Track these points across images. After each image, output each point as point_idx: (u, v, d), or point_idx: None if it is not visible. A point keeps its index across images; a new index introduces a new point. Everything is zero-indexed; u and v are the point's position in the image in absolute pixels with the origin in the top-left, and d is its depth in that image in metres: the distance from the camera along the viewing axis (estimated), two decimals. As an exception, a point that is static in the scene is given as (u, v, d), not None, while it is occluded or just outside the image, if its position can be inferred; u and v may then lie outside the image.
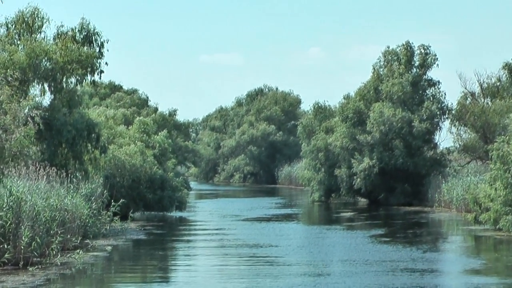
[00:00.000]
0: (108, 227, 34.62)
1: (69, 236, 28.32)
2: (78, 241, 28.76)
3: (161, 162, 48.05)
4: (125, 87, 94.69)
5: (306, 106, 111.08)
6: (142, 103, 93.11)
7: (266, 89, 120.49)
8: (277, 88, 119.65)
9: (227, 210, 53.35)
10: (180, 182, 49.22)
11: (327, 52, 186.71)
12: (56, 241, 26.49)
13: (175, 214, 47.47)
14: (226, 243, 33.69)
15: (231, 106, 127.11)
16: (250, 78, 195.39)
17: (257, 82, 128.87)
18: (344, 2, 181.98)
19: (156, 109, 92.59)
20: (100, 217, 34.03)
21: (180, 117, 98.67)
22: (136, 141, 46.31)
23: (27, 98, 34.05)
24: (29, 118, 31.80)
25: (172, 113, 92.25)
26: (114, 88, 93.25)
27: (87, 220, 31.01)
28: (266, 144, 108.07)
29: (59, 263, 25.58)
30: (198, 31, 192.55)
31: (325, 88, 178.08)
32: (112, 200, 35.89)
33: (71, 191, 30.96)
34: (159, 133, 50.68)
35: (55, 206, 27.69)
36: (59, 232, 27.08)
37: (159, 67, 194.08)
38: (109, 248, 30.62)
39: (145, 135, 48.44)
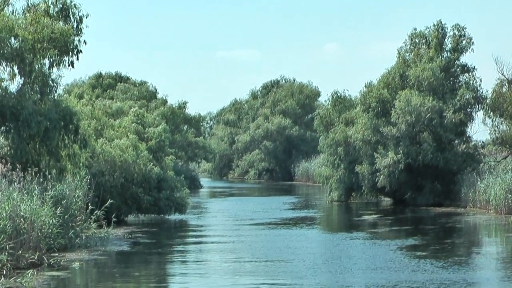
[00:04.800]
0: (83, 236, 28.67)
1: (20, 252, 22.58)
2: (36, 257, 23.01)
3: (158, 158, 42.37)
4: (133, 79, 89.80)
5: (324, 100, 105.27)
6: (150, 96, 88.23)
7: (283, 81, 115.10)
8: (294, 80, 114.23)
9: (237, 212, 47.52)
10: (181, 181, 43.27)
11: (343, 48, 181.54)
12: (5, 258, 20.96)
13: (175, 217, 41.77)
14: (227, 263, 25.58)
15: (246, 99, 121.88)
16: (266, 74, 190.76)
17: (273, 77, 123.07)
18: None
19: (165, 102, 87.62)
20: (74, 224, 28.34)
21: (195, 112, 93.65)
22: (129, 134, 40.72)
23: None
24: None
25: (182, 106, 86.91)
26: (120, 79, 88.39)
27: (51, 230, 24.96)
28: (281, 138, 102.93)
29: (2, 289, 19.86)
30: (215, 28, 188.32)
31: (341, 84, 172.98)
32: (96, 202, 30.48)
33: (35, 194, 25.19)
34: (159, 126, 45.14)
35: (4, 214, 22.02)
36: (7, 247, 21.48)
37: (175, 63, 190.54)
38: (76, 265, 24.63)
39: (140, 126, 42.87)
